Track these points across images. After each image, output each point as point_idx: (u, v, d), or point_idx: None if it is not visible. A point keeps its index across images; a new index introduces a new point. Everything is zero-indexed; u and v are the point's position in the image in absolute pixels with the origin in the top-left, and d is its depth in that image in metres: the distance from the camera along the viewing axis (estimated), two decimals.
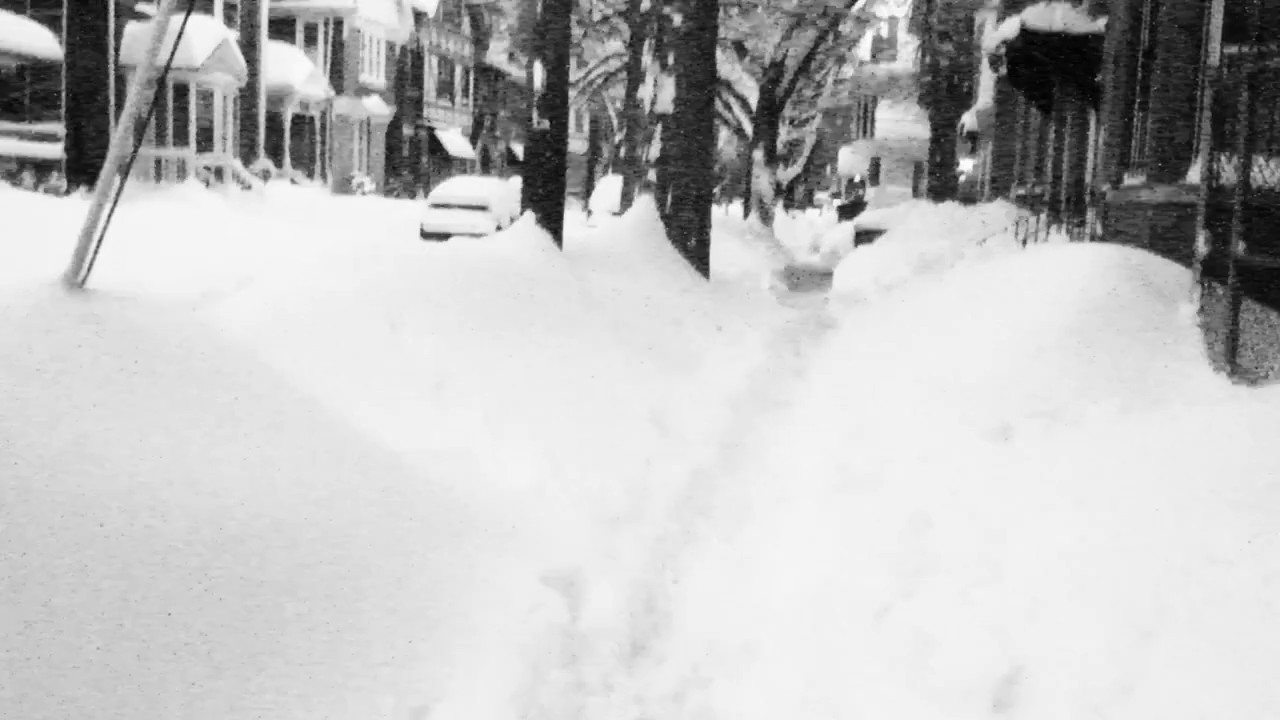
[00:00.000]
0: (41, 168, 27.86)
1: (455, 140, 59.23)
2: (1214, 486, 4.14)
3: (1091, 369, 7.85)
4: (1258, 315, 8.10)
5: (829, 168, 76.81)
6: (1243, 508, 3.88)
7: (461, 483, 5.38)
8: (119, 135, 4.34)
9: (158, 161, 32.98)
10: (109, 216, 4.19)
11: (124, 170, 4.44)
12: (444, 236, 19.96)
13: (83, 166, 27.98)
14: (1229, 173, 9.15)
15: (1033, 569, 4.25)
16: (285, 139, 42.93)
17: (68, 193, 26.18)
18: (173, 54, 4.77)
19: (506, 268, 8.95)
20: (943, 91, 42.35)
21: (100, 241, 4.20)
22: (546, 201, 13.25)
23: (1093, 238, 15.57)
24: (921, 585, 4.61)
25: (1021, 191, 26.37)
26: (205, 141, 35.74)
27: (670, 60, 16.35)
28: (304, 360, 5.76)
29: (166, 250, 12.69)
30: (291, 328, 6.32)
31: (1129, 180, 13.60)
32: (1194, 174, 11.21)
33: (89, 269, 4.20)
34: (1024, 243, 17.62)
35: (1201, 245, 9.04)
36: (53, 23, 28.18)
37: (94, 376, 3.79)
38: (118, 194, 4.24)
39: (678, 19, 16.31)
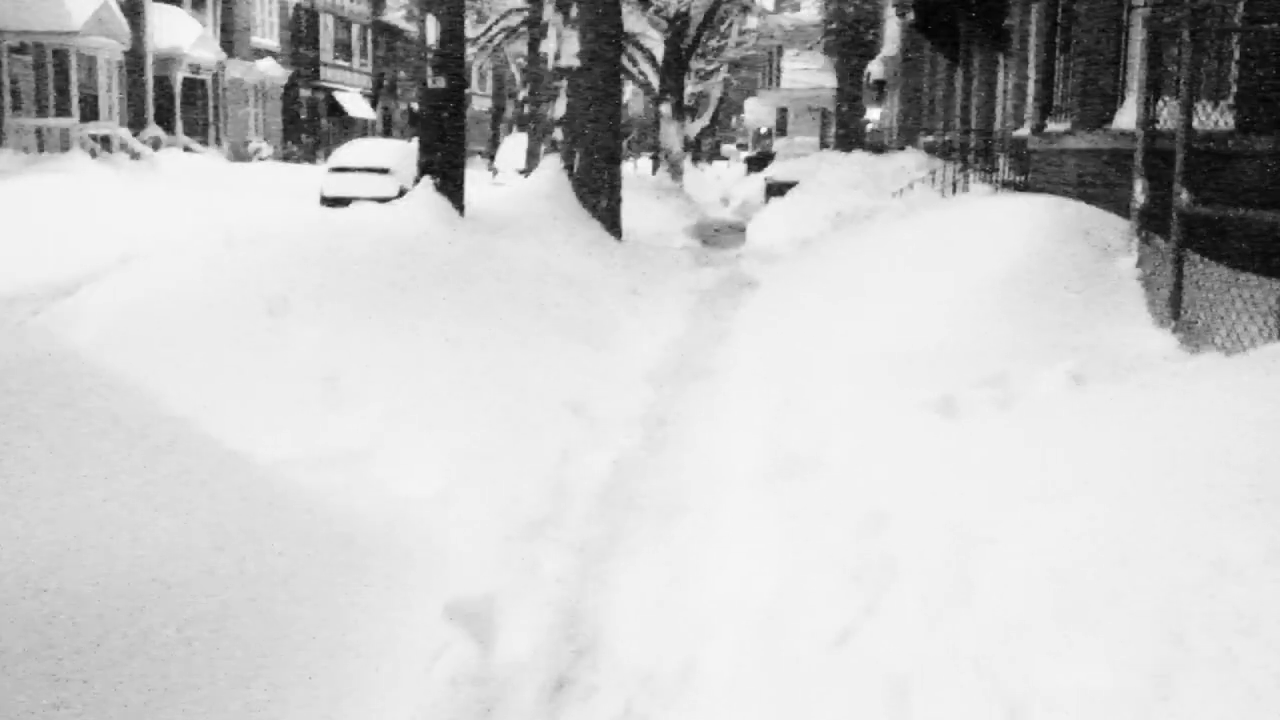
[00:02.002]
0: None
1: (355, 102, 57.64)
2: (1214, 481, 3.60)
3: (1037, 330, 7.36)
4: (1202, 269, 7.68)
5: (736, 120, 76.25)
6: (1256, 509, 3.34)
7: (352, 497, 4.70)
8: None
9: (38, 132, 31.46)
10: None
11: None
12: (345, 202, 19.05)
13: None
14: (1166, 118, 8.72)
15: (1011, 583, 3.69)
16: (176, 105, 41.26)
17: None
18: None
19: (402, 242, 8.22)
20: (848, 40, 41.95)
21: None
22: (446, 164, 12.48)
23: (1006, 186, 15.17)
24: (883, 599, 4.04)
25: (930, 139, 26.01)
26: (90, 110, 34.20)
27: (573, 13, 15.59)
28: (167, 363, 5.01)
29: (39, 229, 11.74)
30: (155, 324, 5.54)
31: (1052, 126, 13.17)
32: (1123, 119, 10.77)
33: None
34: (942, 193, 17.17)
35: (1139, 194, 8.59)
36: None
37: None
38: None
39: None
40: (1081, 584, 3.42)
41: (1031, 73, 14.94)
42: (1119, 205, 9.33)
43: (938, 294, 8.12)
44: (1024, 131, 14.78)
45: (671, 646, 4.26)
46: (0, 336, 3.76)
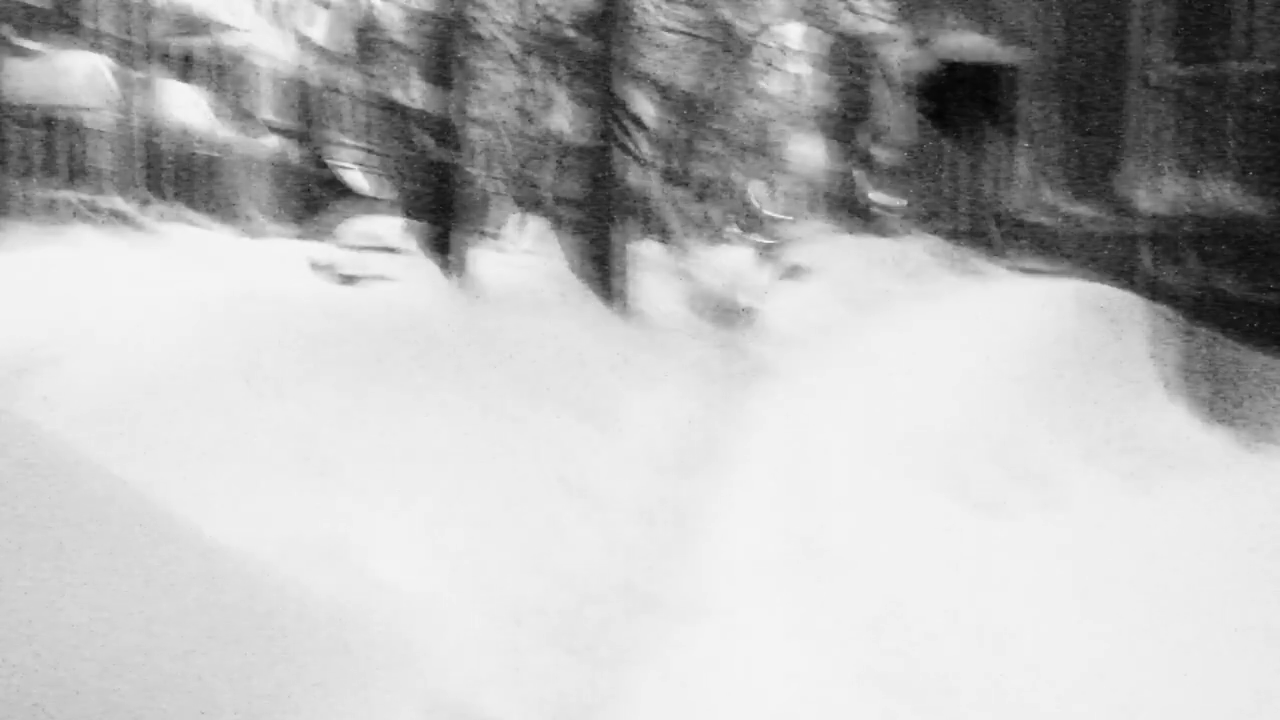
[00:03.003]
0: None
1: (360, 177, 57.81)
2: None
3: (1054, 409, 7.01)
4: (1225, 351, 7.36)
5: (742, 200, 76.47)
6: None
7: (332, 587, 4.32)
8: None
9: (45, 203, 31.40)
10: None
11: None
12: (353, 279, 18.83)
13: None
14: (1173, 193, 8.47)
15: (1044, 690, 3.30)
16: (184, 180, 41.33)
17: None
18: None
19: (399, 318, 7.90)
20: (849, 125, 42.02)
21: None
22: (448, 241, 12.25)
23: (1021, 267, 14.91)
24: (904, 710, 3.64)
25: (940, 221, 25.83)
26: (98, 183, 34.20)
27: (575, 88, 15.48)
28: (138, 446, 4.65)
29: (31, 300, 11.42)
30: (125, 405, 5.18)
31: (1064, 207, 12.93)
32: (1135, 196, 10.53)
33: None
34: (956, 275, 16.90)
35: (1149, 267, 8.31)
36: None
37: None
38: None
39: (584, 46, 15.44)
40: None
41: (1041, 153, 14.75)
42: (1135, 283, 9.05)
43: (956, 376, 7.78)
44: (1036, 212, 14.55)
45: None
46: None
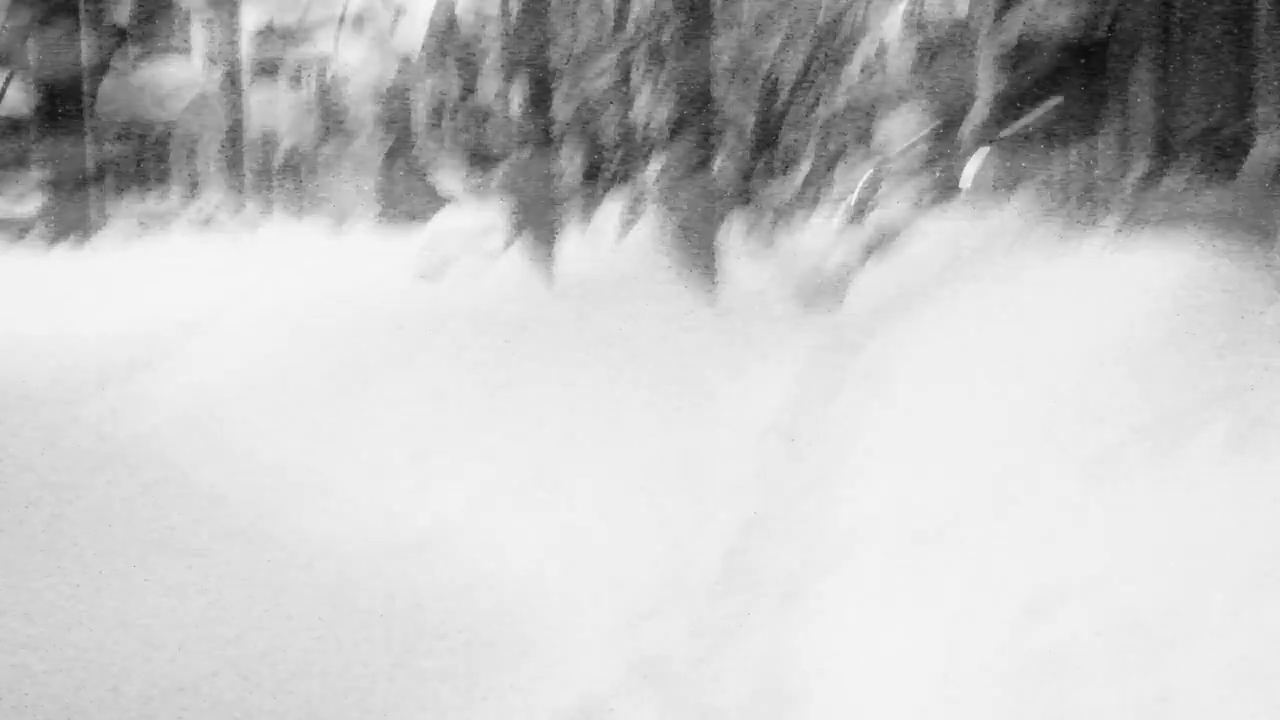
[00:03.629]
0: (23, 226, 26.94)
1: (448, 174, 58.18)
2: None
3: (1186, 385, 6.70)
4: None
5: (830, 179, 75.66)
6: None
7: (443, 585, 4.22)
8: None
9: (141, 215, 31.99)
10: None
11: None
12: (442, 270, 18.94)
13: (66, 221, 26.86)
14: None
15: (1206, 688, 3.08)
16: (274, 182, 41.90)
17: (52, 246, 25.11)
18: None
19: (497, 309, 7.80)
20: (942, 96, 41.29)
21: None
22: (539, 231, 12.16)
23: (1128, 231, 14.44)
24: (1061, 710, 3.42)
25: (1041, 186, 25.25)
26: (190, 189, 34.77)
27: (664, 77, 15.31)
28: (241, 445, 4.59)
29: (128, 303, 11.51)
30: (226, 404, 5.12)
31: (1172, 170, 12.49)
32: (1253, 154, 10.08)
33: None
34: (1060, 240, 16.46)
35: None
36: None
37: None
38: None
39: (672, 35, 15.28)
40: None
41: (1147, 114, 14.27)
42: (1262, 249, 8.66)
43: (1072, 347, 7.49)
44: (1139, 173, 14.10)
45: None
46: (78, 429, 3.38)
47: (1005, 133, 30.01)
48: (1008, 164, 32.18)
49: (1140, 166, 13.44)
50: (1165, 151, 12.98)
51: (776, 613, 4.86)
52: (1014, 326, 8.81)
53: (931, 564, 4.92)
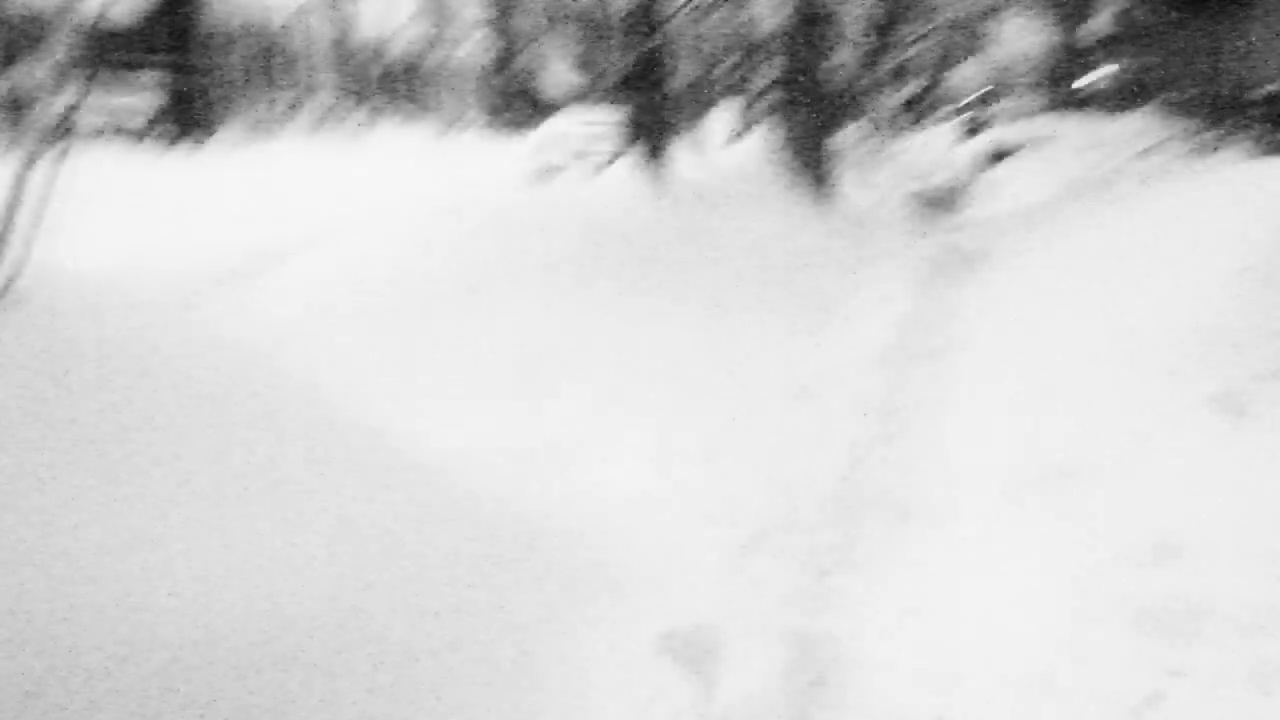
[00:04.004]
0: (148, 122, 27.38)
1: (561, 73, 57.75)
2: None
3: None
4: None
5: (950, 81, 73.78)
6: None
7: (550, 502, 4.16)
8: (38, 108, 3.15)
9: (260, 110, 32.34)
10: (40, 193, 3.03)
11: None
12: (555, 170, 18.90)
13: (188, 118, 27.22)
14: None
15: None
16: (387, 81, 42.00)
17: (175, 144, 25.47)
18: None
19: (606, 218, 7.68)
20: (1059, 8, 39.75)
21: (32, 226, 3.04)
22: (653, 135, 11.95)
23: (1264, 148, 13.77)
24: (1195, 659, 3.26)
25: (1169, 96, 24.22)
26: (304, 88, 35.03)
27: None
28: (352, 353, 4.55)
29: (251, 202, 11.63)
30: (338, 312, 5.09)
31: None
32: None
33: (9, 280, 3.05)
34: (1188, 157, 15.80)
35: None
36: None
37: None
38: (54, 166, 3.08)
39: None
40: None
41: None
42: None
43: (1203, 270, 7.16)
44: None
45: (920, 698, 3.59)
46: (189, 333, 3.35)
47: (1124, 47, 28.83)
48: (1130, 77, 30.96)
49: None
50: None
51: (887, 541, 4.73)
52: (1138, 247, 8.46)
53: (1054, 502, 4.74)
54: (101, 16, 3.80)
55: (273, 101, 32.60)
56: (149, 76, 27.74)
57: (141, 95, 27.75)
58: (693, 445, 5.15)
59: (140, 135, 26.41)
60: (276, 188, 13.74)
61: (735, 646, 3.68)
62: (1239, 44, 18.56)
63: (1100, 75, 40.40)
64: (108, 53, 26.90)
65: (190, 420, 2.99)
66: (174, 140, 25.54)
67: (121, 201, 9.49)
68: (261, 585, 2.70)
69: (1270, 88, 14.34)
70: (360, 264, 5.72)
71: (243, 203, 11.19)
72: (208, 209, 9.67)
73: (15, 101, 24.71)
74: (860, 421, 6.23)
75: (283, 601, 2.69)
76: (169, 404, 3.03)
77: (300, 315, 4.84)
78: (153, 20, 27.34)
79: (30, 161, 3.13)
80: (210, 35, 28.33)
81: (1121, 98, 33.30)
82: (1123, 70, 35.11)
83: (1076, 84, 37.01)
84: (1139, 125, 20.80)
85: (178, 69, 26.65)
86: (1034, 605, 3.90)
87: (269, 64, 33.02)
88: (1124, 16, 31.03)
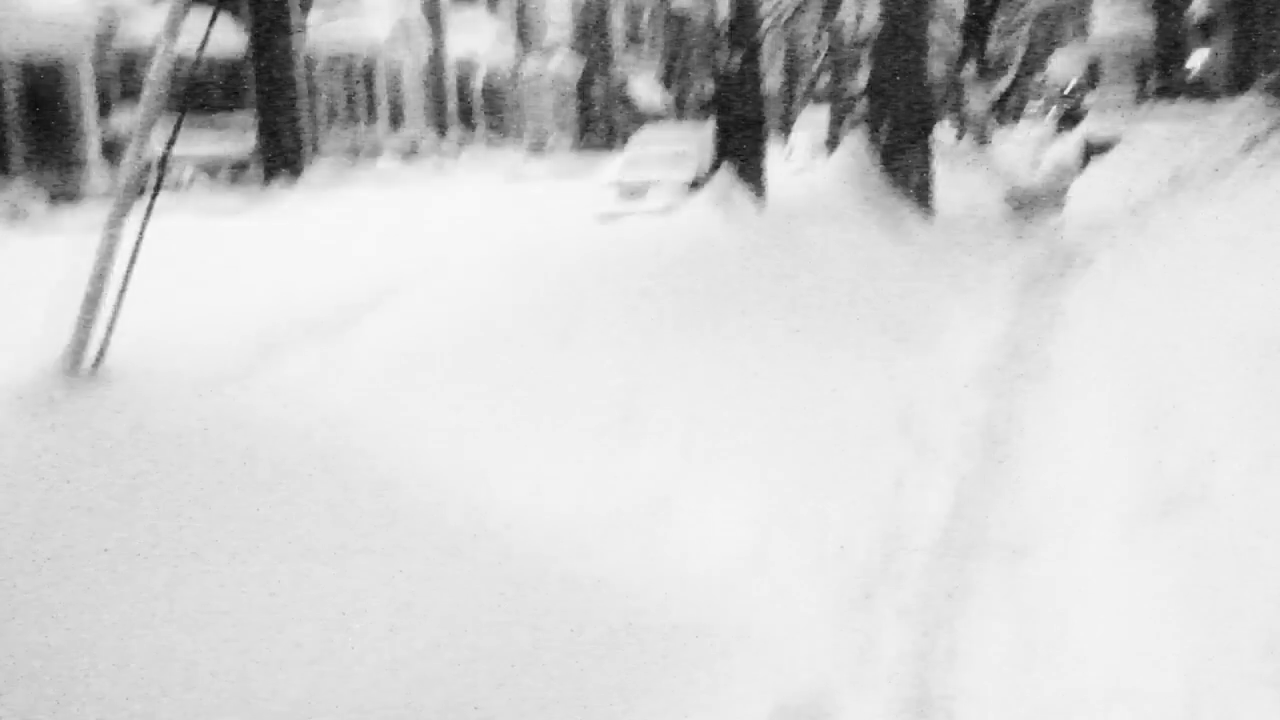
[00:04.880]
0: (238, 164, 27.89)
1: (646, 91, 57.75)
2: None
3: None
4: None
5: (1040, 76, 72.46)
6: None
7: (648, 566, 4.01)
8: (129, 156, 3.09)
9: (351, 142, 32.71)
10: (123, 276, 2.97)
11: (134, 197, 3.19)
12: (642, 190, 18.74)
13: (277, 159, 27.59)
14: None
15: None
16: (476, 105, 42.29)
17: (266, 185, 25.88)
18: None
19: (696, 246, 7.51)
20: None
21: (112, 312, 2.98)
22: (744, 150, 11.77)
23: None
24: None
25: (1273, 79, 23.37)
26: (397, 117, 35.36)
27: None
28: (441, 415, 4.44)
29: (331, 249, 11.59)
30: (426, 370, 4.97)
31: None
32: None
33: (101, 350, 2.99)
34: None
35: None
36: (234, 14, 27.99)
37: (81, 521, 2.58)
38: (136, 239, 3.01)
39: None
40: None
41: None
42: None
43: None
44: None
45: None
46: (254, 400, 3.27)
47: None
48: (1232, 66, 30.01)
49: None
50: None
51: (1001, 586, 4.49)
52: (1257, 244, 8.09)
53: (1179, 534, 4.48)
54: (189, 60, 3.76)
55: (361, 136, 32.95)
56: (239, 119, 28.23)
57: (232, 139, 28.22)
58: (794, 487, 4.96)
59: (231, 179, 26.88)
60: (363, 230, 13.76)
61: (850, 715, 3.50)
62: None
63: (1200, 60, 39.29)
64: (196, 97, 27.38)
65: (246, 500, 2.91)
66: (265, 182, 25.94)
67: (208, 252, 9.55)
68: (310, 676, 2.60)
69: None
70: (439, 319, 5.57)
71: (329, 248, 11.20)
72: (294, 256, 9.68)
73: (111, 147, 25.32)
74: (966, 453, 5.99)
75: (331, 694, 2.58)
76: (230, 487, 2.95)
77: (387, 372, 4.74)
78: (241, 63, 27.85)
79: (122, 212, 3.08)
80: (297, 74, 28.71)
81: (1223, 83, 32.30)
82: (1220, 53, 34.08)
83: (1175, 70, 36.00)
84: (1244, 110, 20.08)
85: (266, 111, 27.09)
86: (1163, 653, 3.66)
87: (355, 98, 33.39)
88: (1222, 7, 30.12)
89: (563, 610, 3.37)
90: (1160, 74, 39.62)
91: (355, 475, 3.26)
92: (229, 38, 27.72)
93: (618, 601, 3.60)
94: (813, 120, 39.80)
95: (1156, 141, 19.72)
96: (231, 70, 28.95)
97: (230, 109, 28.97)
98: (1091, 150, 24.83)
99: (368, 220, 14.35)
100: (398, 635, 2.80)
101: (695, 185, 16.18)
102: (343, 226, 13.20)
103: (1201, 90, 35.20)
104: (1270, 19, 24.89)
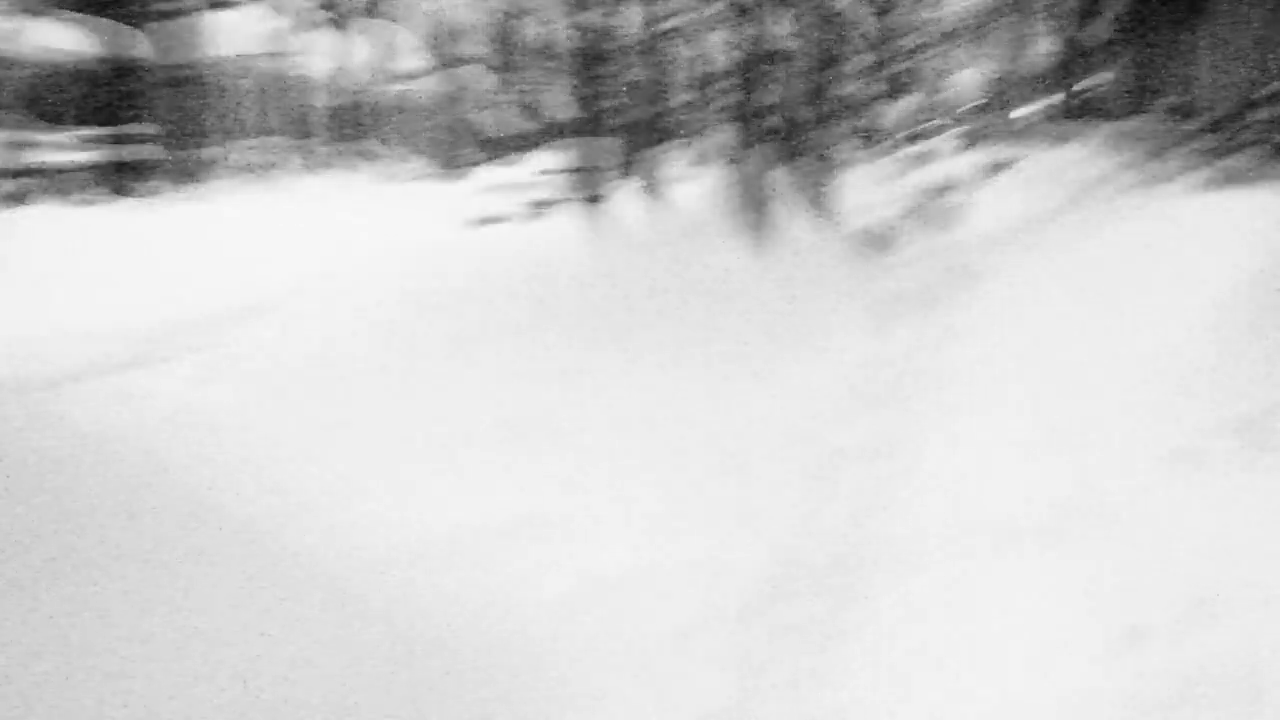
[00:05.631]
0: (140, 171, 27.14)
1: (505, 117, 57.34)
2: None
3: None
4: None
5: (941, 94, 73.72)
6: None
7: (537, 580, 3.89)
8: None
9: (198, 160, 31.82)
10: None
11: None
12: (498, 221, 18.66)
13: (130, 170, 26.80)
14: None
15: None
16: (331, 125, 41.75)
17: (117, 197, 25.14)
18: None
19: (549, 266, 7.33)
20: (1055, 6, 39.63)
21: None
22: (598, 177, 11.70)
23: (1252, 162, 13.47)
24: None
25: (1169, 102, 23.90)
26: (247, 135, 34.58)
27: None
28: (318, 430, 4.27)
29: (185, 265, 11.11)
30: (300, 381, 4.79)
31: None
32: None
33: None
34: (1184, 171, 15.51)
35: None
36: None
37: None
38: None
39: None
40: None
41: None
42: None
43: (1216, 285, 6.83)
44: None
45: None
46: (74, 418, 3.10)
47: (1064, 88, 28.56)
48: (1132, 88, 30.70)
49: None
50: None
51: (892, 601, 4.43)
52: (1144, 264, 8.20)
53: (1023, 569, 4.43)
54: (40, 72, 3.56)
55: (216, 150, 32.12)
56: (88, 132, 27.38)
57: (81, 150, 27.35)
58: (678, 511, 4.86)
59: (80, 191, 26.02)
60: (219, 245, 13.36)
61: None
62: (1241, 44, 18.29)
63: (1096, 82, 40.15)
64: (45, 106, 26.61)
65: (70, 525, 2.75)
66: (114, 195, 25.12)
67: (55, 263, 9.16)
68: (130, 683, 2.45)
69: (1275, 85, 14.07)
70: (303, 334, 5.37)
71: (183, 262, 10.82)
72: (145, 271, 9.28)
73: None
74: (857, 468, 5.95)
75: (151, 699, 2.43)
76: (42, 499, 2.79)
77: (250, 393, 4.55)
78: (93, 74, 26.99)
79: None
80: (151, 87, 28.00)
81: (1124, 103, 33.04)
82: (1121, 76, 34.88)
83: (1073, 90, 36.78)
84: (1140, 131, 20.53)
85: (117, 123, 26.24)
86: (1036, 676, 3.62)
87: (208, 111, 32.50)
88: (1123, 20, 30.81)
89: (394, 637, 3.22)
90: (1062, 95, 40.42)
91: (176, 493, 3.10)
92: (84, 45, 26.93)
93: (460, 624, 3.47)
94: (674, 150, 39.84)
95: (1055, 160, 20.09)
96: (83, 81, 28.10)
97: (81, 122, 28.13)
98: (992, 167, 25.20)
99: (228, 233, 13.99)
100: (247, 672, 2.65)
101: (550, 213, 16.06)
102: (200, 239, 12.81)
103: (1102, 111, 35.98)
104: (1171, 42, 25.51)
